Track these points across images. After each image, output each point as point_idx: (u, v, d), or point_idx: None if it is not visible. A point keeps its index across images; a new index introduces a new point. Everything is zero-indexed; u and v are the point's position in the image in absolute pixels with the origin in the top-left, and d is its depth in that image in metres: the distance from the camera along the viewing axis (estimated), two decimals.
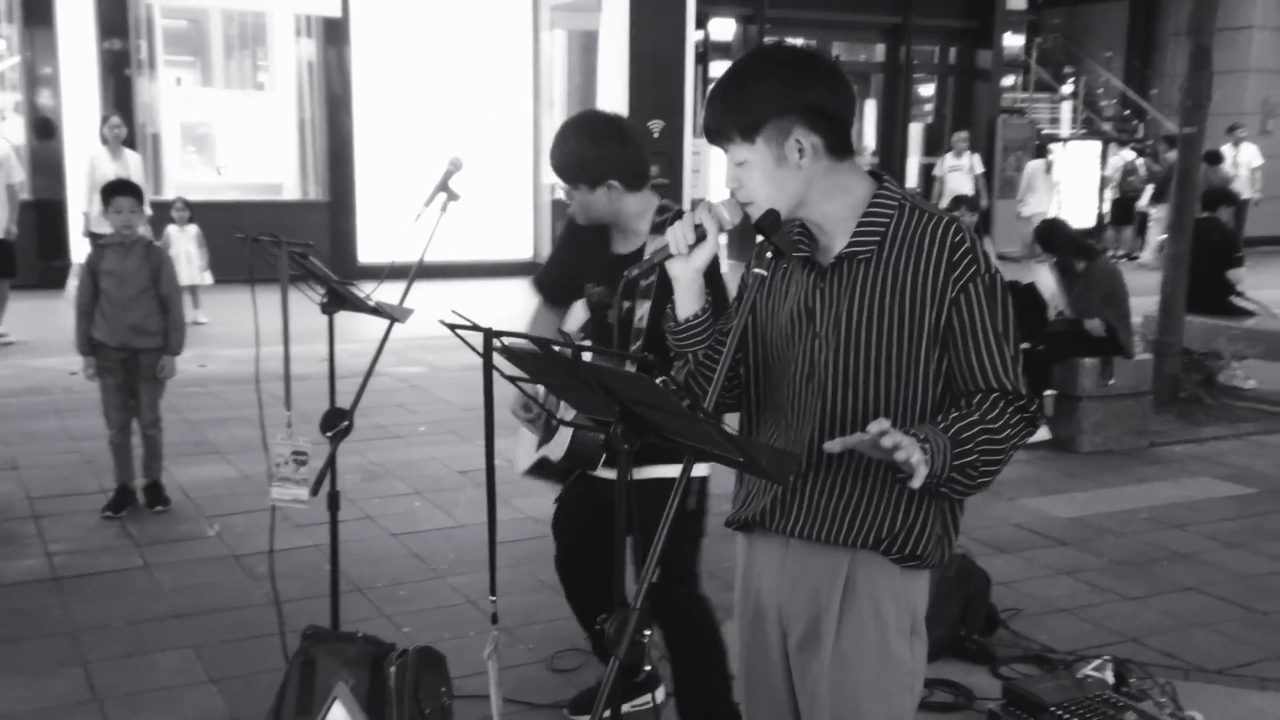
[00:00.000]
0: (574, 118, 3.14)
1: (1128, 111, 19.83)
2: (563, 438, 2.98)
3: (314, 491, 3.15)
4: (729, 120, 1.92)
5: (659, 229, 3.01)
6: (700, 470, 3.06)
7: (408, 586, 4.55)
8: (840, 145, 1.95)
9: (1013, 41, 19.35)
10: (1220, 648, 4.04)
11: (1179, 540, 5.15)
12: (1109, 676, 3.40)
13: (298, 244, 2.98)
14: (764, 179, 1.92)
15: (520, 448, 3.28)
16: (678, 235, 1.97)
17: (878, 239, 1.93)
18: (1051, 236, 6.99)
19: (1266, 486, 6.00)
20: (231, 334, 9.68)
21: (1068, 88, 20.76)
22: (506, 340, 1.73)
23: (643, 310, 2.97)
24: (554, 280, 3.31)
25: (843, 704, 1.97)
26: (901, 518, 1.94)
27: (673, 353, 2.15)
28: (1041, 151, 14.92)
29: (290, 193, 13.68)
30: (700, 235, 1.97)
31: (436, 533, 5.16)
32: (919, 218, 1.93)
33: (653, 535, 1.79)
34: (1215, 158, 13.66)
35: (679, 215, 3.01)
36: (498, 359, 1.88)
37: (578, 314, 3.14)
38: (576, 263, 3.21)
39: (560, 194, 8.94)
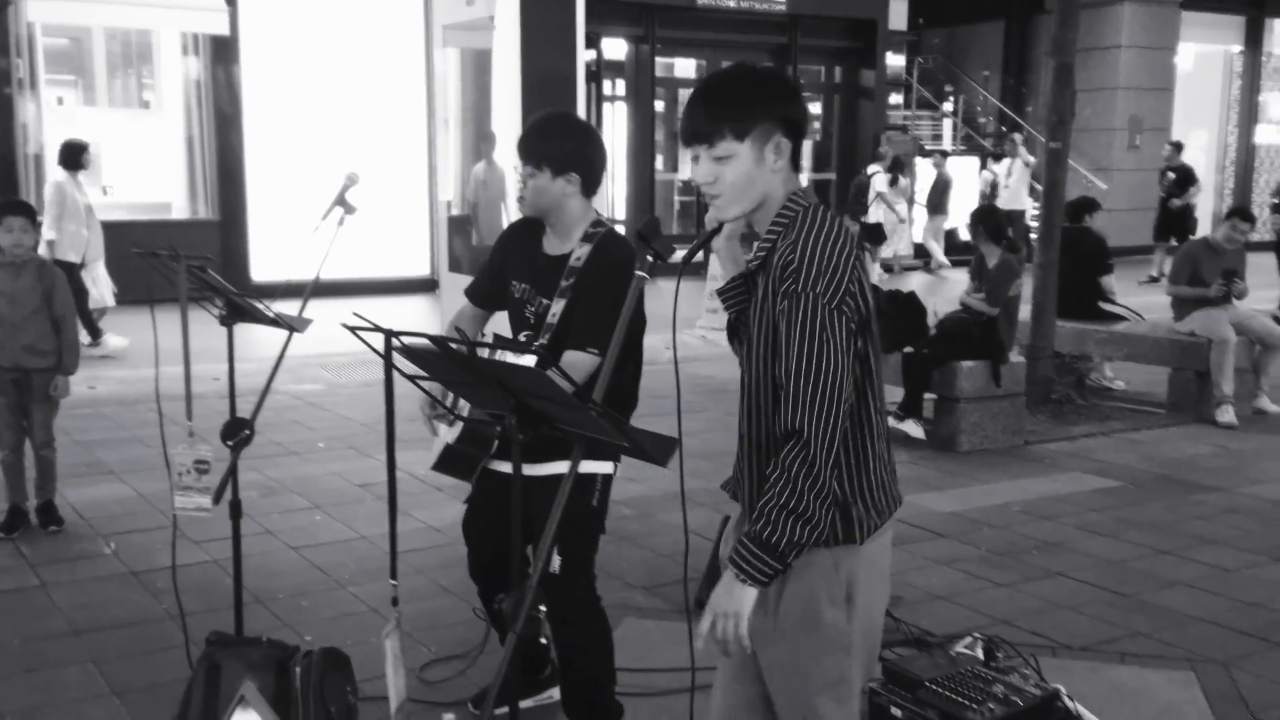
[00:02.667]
0: (558, 112, 3.34)
1: (1004, 128, 20.60)
2: (458, 425, 3.13)
3: (216, 500, 3.21)
4: (723, 119, 2.14)
5: (589, 239, 3.20)
6: (604, 469, 3.22)
7: (310, 597, 4.60)
8: (797, 160, 2.21)
9: (895, 61, 19.99)
10: (1085, 627, 4.33)
11: (1049, 530, 5.46)
12: (979, 653, 3.63)
13: (196, 258, 3.06)
14: (740, 175, 2.15)
15: (434, 446, 3.40)
16: (711, 214, 2.27)
17: (765, 254, 2.16)
18: (986, 220, 7.37)
19: (1131, 480, 6.38)
20: (121, 354, 9.55)
21: (948, 105, 21.49)
22: (406, 340, 1.86)
23: (557, 308, 3.15)
24: (480, 285, 3.45)
25: (780, 666, 2.20)
26: None
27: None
28: (897, 166, 15.60)
29: (180, 211, 13.49)
30: None
31: (338, 545, 5.21)
32: (787, 233, 2.13)
33: (555, 530, 1.93)
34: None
35: (610, 231, 3.20)
36: (399, 359, 2.01)
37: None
38: (504, 263, 3.37)
39: (455, 210, 9.02)
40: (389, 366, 2.01)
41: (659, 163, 16.69)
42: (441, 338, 1.80)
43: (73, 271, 9.22)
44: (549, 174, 3.14)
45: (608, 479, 3.27)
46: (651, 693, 3.76)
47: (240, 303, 3.16)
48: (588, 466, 3.15)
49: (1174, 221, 15.66)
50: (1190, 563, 5.03)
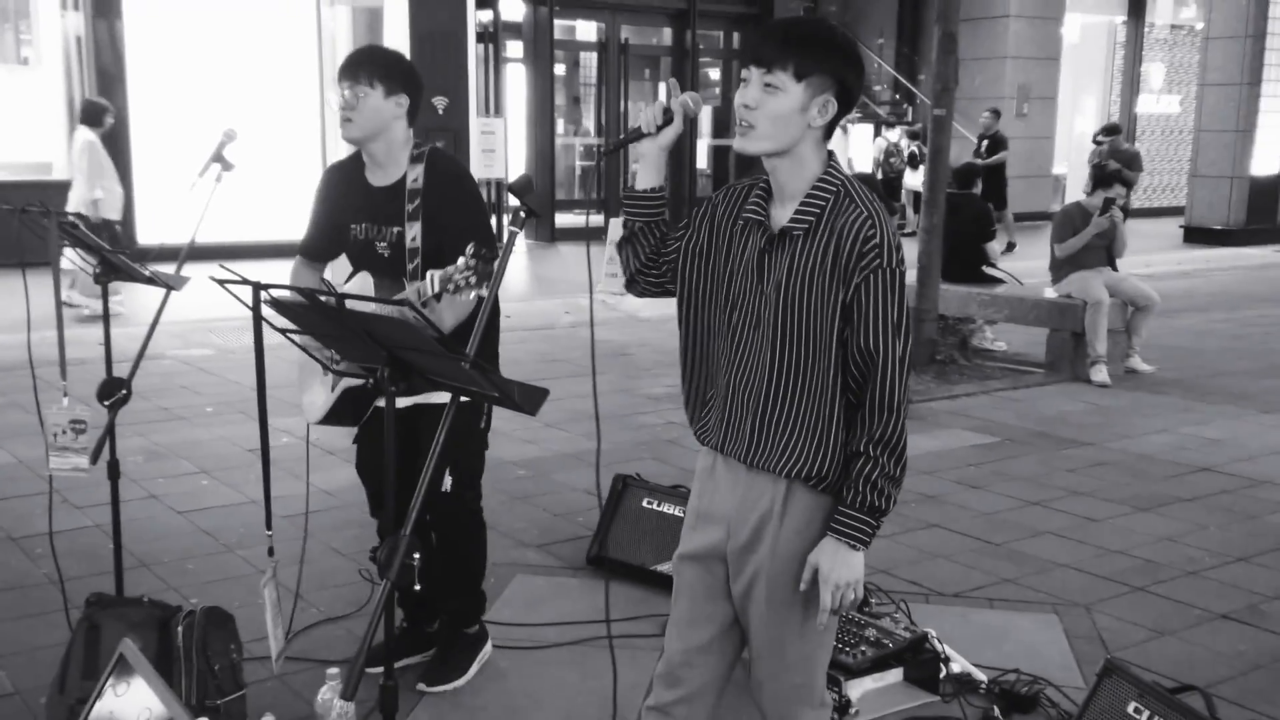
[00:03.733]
0: (379, 45, 3.41)
1: (898, 95, 20.95)
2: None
3: (94, 460, 3.17)
4: (792, 55, 2.16)
5: (417, 160, 3.26)
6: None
7: (196, 560, 4.56)
8: (831, 130, 2.25)
9: None
10: (958, 575, 4.51)
11: (928, 484, 5.65)
12: None
13: (68, 214, 3.00)
14: (780, 112, 2.17)
15: (308, 398, 3.40)
16: (647, 117, 2.28)
17: (813, 219, 2.21)
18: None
19: (1007, 435, 6.62)
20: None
21: None
22: (274, 292, 1.87)
23: (414, 231, 3.21)
24: (313, 240, 3.49)
25: (776, 588, 2.28)
26: (826, 459, 2.24)
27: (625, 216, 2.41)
28: None
29: (61, 172, 12.98)
30: (668, 119, 2.28)
31: (225, 509, 5.16)
32: (846, 205, 2.20)
33: (446, 455, 1.96)
34: (1114, 129, 14.41)
35: (435, 147, 3.30)
36: (271, 314, 2.03)
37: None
38: (333, 211, 3.40)
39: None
40: (258, 319, 2.02)
41: (559, 126, 16.62)
42: (310, 290, 1.82)
43: (113, 228, 9.48)
44: (381, 92, 3.19)
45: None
46: (539, 645, 3.84)
47: (115, 260, 3.11)
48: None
49: (990, 185, 15.66)
50: (1058, 513, 5.27)
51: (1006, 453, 6.28)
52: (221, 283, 1.94)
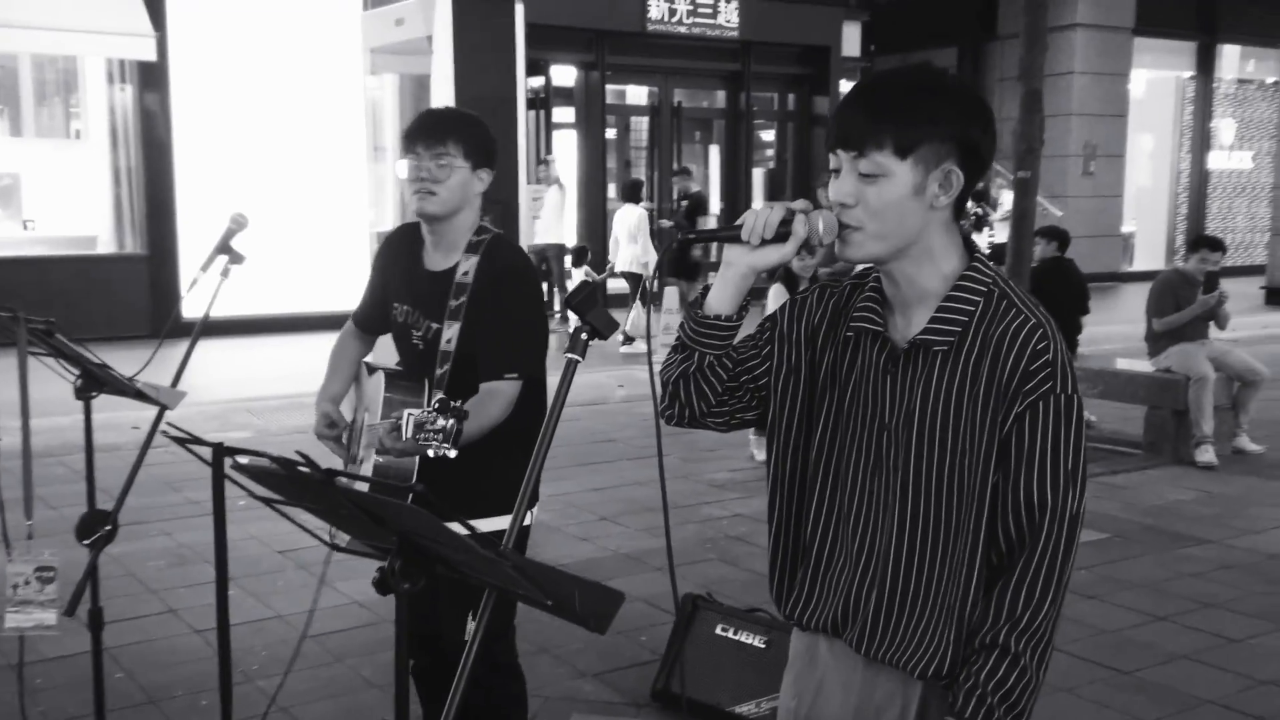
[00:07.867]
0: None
1: None
2: (369, 462, 2.66)
3: (70, 611, 2.66)
4: (885, 128, 1.62)
5: (473, 249, 2.77)
6: (524, 520, 2.79)
7: (211, 694, 4.02)
8: (962, 203, 1.69)
9: (848, 88, 19.74)
10: (1087, 715, 3.86)
11: None
12: None
13: (39, 320, 2.52)
14: (888, 203, 1.63)
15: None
16: (755, 224, 1.69)
17: (959, 328, 1.66)
18: None
19: (1117, 531, 5.95)
20: None
21: None
22: (242, 459, 1.35)
23: (450, 332, 2.70)
24: (364, 310, 3.09)
25: None
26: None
27: (681, 341, 1.84)
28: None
29: (106, 246, 12.80)
30: (781, 235, 1.69)
31: (248, 626, 4.64)
32: (1004, 310, 1.67)
33: (477, 589, 1.48)
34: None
35: (497, 236, 2.80)
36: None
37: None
38: (384, 282, 2.99)
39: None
40: (218, 485, 1.51)
41: (611, 190, 16.26)
42: (287, 460, 1.30)
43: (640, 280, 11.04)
44: (469, 166, 2.70)
45: (527, 529, 2.87)
46: None
47: (99, 373, 2.63)
48: (496, 524, 2.66)
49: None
50: (1191, 631, 4.60)
51: (1118, 553, 5.61)
52: (181, 441, 1.43)
